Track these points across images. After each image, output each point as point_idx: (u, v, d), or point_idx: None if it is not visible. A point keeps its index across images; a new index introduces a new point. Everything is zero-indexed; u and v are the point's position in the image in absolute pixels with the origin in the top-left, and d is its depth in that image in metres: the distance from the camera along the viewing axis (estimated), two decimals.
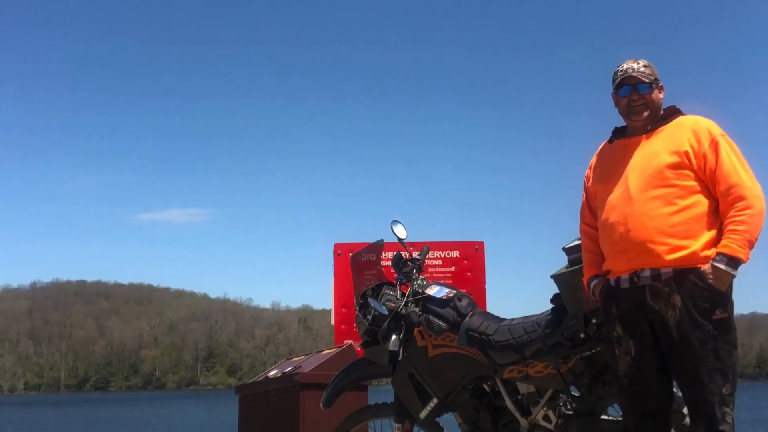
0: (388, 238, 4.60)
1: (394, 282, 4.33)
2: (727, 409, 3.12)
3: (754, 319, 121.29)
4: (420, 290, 4.17)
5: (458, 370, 4.03)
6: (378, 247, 4.98)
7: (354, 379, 4.52)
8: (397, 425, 4.30)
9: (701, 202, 3.23)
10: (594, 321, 3.61)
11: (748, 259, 3.14)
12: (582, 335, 3.66)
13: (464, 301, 4.08)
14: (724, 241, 3.15)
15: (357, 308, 4.38)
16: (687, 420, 3.40)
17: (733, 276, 3.14)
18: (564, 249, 3.82)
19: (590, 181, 3.62)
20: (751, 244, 3.14)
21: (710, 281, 3.13)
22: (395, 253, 4.48)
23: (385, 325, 4.09)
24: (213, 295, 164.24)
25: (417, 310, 4.09)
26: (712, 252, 3.17)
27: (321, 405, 4.56)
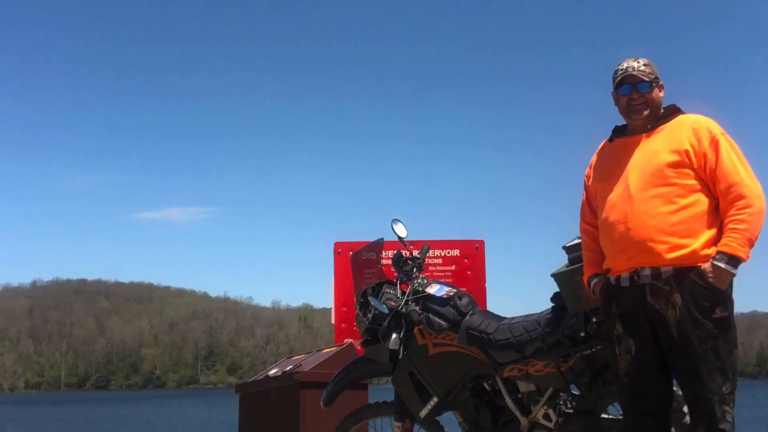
0: (389, 237, 4.60)
1: (395, 281, 4.33)
2: (727, 408, 3.12)
3: (755, 317, 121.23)
4: (420, 289, 4.18)
5: (458, 368, 4.04)
6: (378, 245, 4.99)
7: (354, 377, 4.52)
8: (397, 424, 4.31)
9: (701, 201, 3.23)
10: (594, 320, 3.61)
11: (748, 257, 3.14)
12: (582, 334, 3.66)
13: (464, 300, 4.08)
14: (724, 240, 3.15)
15: (357, 307, 4.39)
16: (687, 419, 3.41)
17: (734, 275, 3.14)
18: (564, 248, 3.82)
19: (590, 179, 3.62)
20: (751, 243, 3.14)
21: (710, 280, 3.13)
22: (395, 251, 4.48)
23: (386, 323, 4.09)
24: (213, 293, 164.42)
25: (417, 308, 4.09)
26: (712, 251, 3.17)
27: (321, 404, 4.56)
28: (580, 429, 3.77)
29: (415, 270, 4.31)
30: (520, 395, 3.96)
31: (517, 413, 3.92)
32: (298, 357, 7.03)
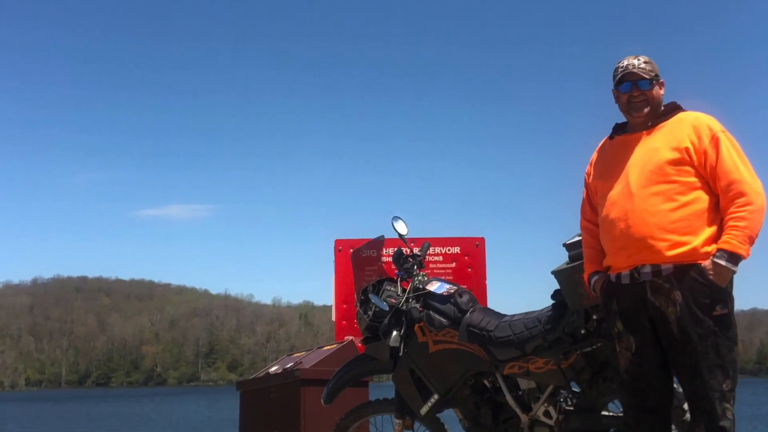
0: (389, 234, 4.60)
1: (395, 278, 4.33)
2: (727, 405, 3.13)
3: (755, 315, 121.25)
4: (421, 286, 4.18)
5: (459, 366, 4.04)
6: (379, 243, 4.98)
7: (355, 375, 4.52)
8: (397, 421, 4.31)
9: (702, 199, 3.23)
10: (594, 317, 3.62)
11: (748, 255, 3.14)
12: (582, 331, 3.66)
13: (465, 297, 4.08)
14: (724, 237, 3.15)
15: (358, 304, 4.39)
16: (687, 416, 3.42)
17: (734, 272, 3.14)
18: (564, 245, 3.82)
19: (591, 177, 3.62)
20: (751, 240, 3.14)
21: (711, 277, 3.13)
22: (396, 249, 4.48)
23: (386, 321, 4.10)
24: (214, 291, 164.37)
25: (418, 306, 4.09)
26: (712, 248, 3.17)
27: (322, 401, 4.57)
28: (581, 426, 3.78)
29: (415, 267, 4.31)
30: (520, 392, 3.97)
31: (518, 410, 3.92)
32: (298, 354, 7.04)
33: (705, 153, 3.24)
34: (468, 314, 4.00)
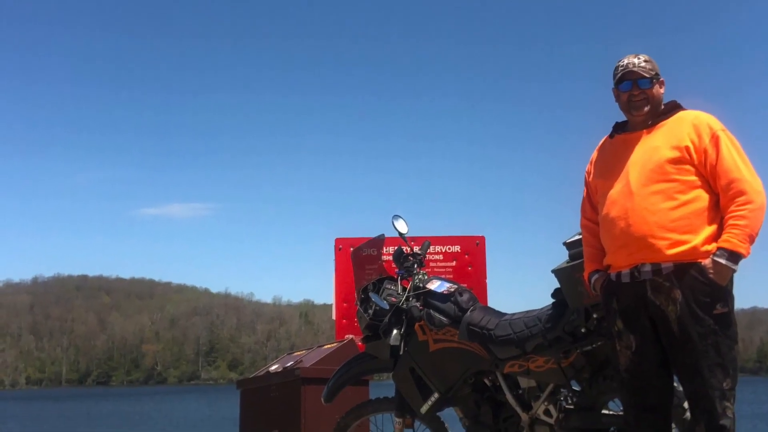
0: (389, 233, 4.60)
1: (395, 277, 4.34)
2: (727, 404, 3.13)
3: (755, 313, 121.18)
4: (421, 285, 4.18)
5: (459, 364, 4.04)
6: (379, 241, 4.98)
7: (355, 373, 4.53)
8: (398, 420, 4.32)
9: (702, 197, 3.23)
10: (595, 316, 3.62)
11: (748, 253, 3.14)
12: (583, 330, 3.66)
13: (465, 296, 4.08)
14: (724, 236, 3.15)
15: (358, 303, 4.39)
16: (687, 414, 3.41)
17: (734, 271, 3.14)
18: (565, 244, 3.82)
19: (591, 176, 3.62)
20: (751, 239, 3.14)
21: (711, 276, 3.13)
22: (396, 247, 4.49)
23: (386, 319, 4.10)
24: (214, 289, 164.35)
25: (418, 304, 4.09)
26: (712, 247, 3.17)
27: (322, 399, 4.57)
28: (581, 425, 3.78)
29: (415, 266, 4.32)
30: (520, 391, 3.97)
31: (518, 409, 3.92)
32: (299, 353, 7.04)
33: (705, 151, 3.24)
34: (468, 313, 4.00)
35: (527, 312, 3.93)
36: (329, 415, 5.27)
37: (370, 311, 4.19)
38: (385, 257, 5.21)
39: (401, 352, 4.15)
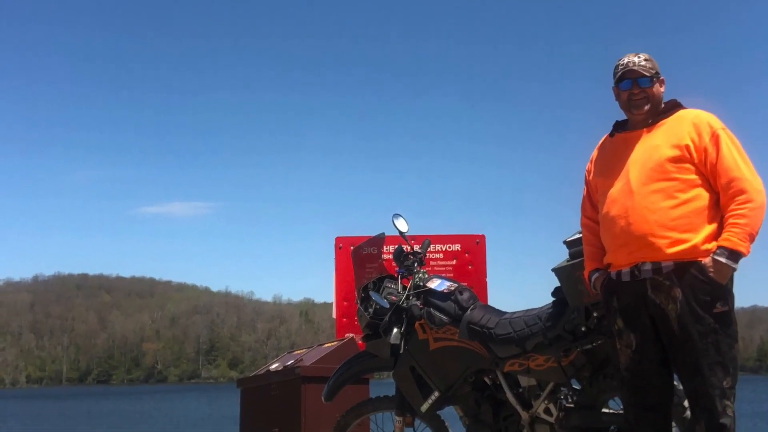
0: (390, 232, 4.60)
1: (396, 275, 4.34)
2: (727, 402, 3.13)
3: (755, 312, 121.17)
4: (421, 283, 4.18)
5: (459, 363, 4.04)
6: (379, 240, 4.98)
7: (355, 372, 4.52)
8: (398, 418, 4.32)
9: (702, 196, 3.23)
10: (595, 314, 3.62)
11: (748, 252, 3.14)
12: (583, 328, 3.66)
13: (465, 295, 4.08)
14: (724, 235, 3.15)
15: (358, 301, 4.39)
16: (688, 413, 3.41)
17: (734, 269, 3.14)
18: (565, 242, 3.82)
19: (591, 174, 3.62)
20: (751, 238, 3.14)
21: (711, 274, 3.13)
22: (396, 246, 4.49)
23: (387, 318, 4.10)
24: (215, 288, 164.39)
25: (418, 303, 4.09)
26: (712, 245, 3.17)
27: (322, 398, 4.57)
28: (581, 423, 3.78)
29: (416, 265, 4.32)
30: (521, 390, 3.97)
31: (518, 408, 3.93)
32: (299, 351, 7.04)
33: (705, 150, 3.23)
34: (468, 311, 4.00)
35: (527, 311, 3.93)
36: (329, 414, 5.27)
37: (371, 310, 4.19)
38: (385, 256, 5.21)
39: (401, 351, 4.15)
